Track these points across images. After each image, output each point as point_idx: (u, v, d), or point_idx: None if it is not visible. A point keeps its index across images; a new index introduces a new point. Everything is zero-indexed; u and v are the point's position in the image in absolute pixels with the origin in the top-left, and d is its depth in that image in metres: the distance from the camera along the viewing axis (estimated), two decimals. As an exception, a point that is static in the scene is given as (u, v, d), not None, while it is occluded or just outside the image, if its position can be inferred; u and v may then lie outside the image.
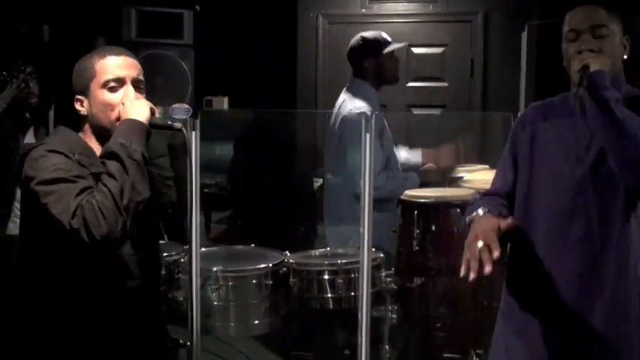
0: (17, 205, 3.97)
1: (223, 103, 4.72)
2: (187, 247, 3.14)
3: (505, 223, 2.15)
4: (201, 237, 3.19)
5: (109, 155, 2.06)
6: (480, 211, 2.32)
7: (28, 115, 3.82)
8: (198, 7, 5.14)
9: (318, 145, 4.89)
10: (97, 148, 2.24)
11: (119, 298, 2.27)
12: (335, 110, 4.06)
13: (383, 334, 3.54)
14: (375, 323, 3.32)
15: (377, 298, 3.34)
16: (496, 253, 2.04)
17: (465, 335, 3.58)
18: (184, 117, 3.08)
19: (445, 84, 5.34)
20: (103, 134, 2.24)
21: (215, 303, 3.22)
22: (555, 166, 2.22)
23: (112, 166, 2.03)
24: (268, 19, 5.39)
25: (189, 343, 3.10)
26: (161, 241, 3.75)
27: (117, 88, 2.23)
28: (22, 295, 2.27)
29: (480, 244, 2.08)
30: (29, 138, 4.01)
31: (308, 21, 5.36)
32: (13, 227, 3.95)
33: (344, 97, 4.06)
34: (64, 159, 2.11)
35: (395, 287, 3.41)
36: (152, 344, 2.47)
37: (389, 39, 4.05)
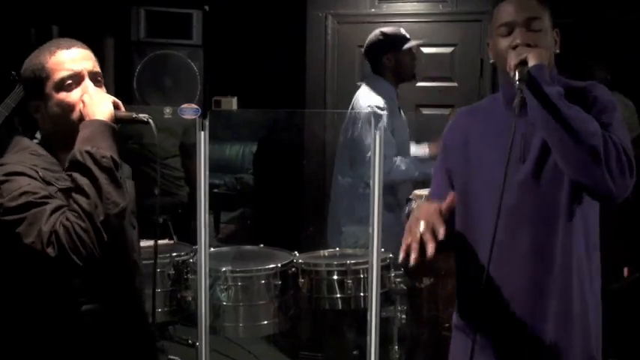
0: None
1: (232, 103, 4.70)
2: (196, 247, 3.14)
3: (446, 202, 1.95)
4: (210, 237, 3.19)
5: (75, 167, 1.86)
6: (418, 201, 2.22)
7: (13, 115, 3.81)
8: (207, 8, 5.15)
9: (327, 145, 4.88)
10: (63, 157, 1.98)
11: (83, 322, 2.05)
12: (349, 108, 4.06)
13: (392, 334, 3.54)
14: (384, 324, 3.31)
15: (386, 299, 3.33)
16: (441, 231, 1.85)
17: (475, 336, 3.56)
18: (193, 117, 3.09)
19: (454, 84, 5.32)
20: (65, 140, 1.99)
21: (224, 303, 3.22)
22: (494, 170, 2.02)
23: (81, 179, 1.84)
24: (277, 18, 5.39)
25: (197, 343, 3.11)
26: (170, 241, 3.77)
27: (73, 85, 1.99)
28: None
29: (422, 225, 1.89)
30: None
31: (317, 21, 5.35)
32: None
33: (360, 92, 4.07)
34: (27, 180, 1.90)
35: (404, 288, 3.40)
36: None
37: (408, 35, 4.07)
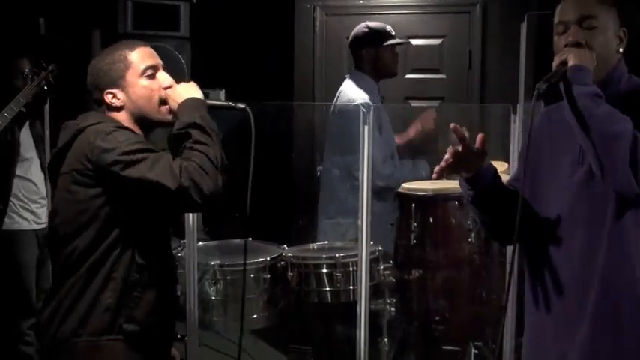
0: (14, 200, 3.95)
1: (220, 95, 4.69)
2: (185, 241, 3.13)
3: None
4: (198, 231, 3.18)
5: (193, 126, 2.15)
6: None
7: (24, 109, 3.79)
8: (194, 0, 5.12)
9: (316, 138, 4.87)
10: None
11: (174, 281, 2.47)
12: (334, 101, 4.05)
13: (381, 327, 3.54)
14: (374, 316, 3.31)
15: (375, 292, 3.33)
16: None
17: (464, 328, 3.57)
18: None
19: (443, 76, 5.32)
20: (143, 122, 2.31)
21: (213, 297, 3.22)
22: (556, 174, 2.12)
23: (199, 135, 2.13)
24: (265, 10, 5.36)
25: (186, 337, 3.10)
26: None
27: (153, 75, 2.30)
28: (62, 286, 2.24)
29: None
30: (25, 133, 3.99)
31: (305, 12, 5.34)
32: (10, 223, 3.93)
33: (343, 86, 4.06)
34: (134, 135, 2.21)
35: (393, 280, 3.40)
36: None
37: (393, 32, 4.04)
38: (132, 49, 2.32)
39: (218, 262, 3.20)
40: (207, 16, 5.27)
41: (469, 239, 3.40)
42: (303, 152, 5.08)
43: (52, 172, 2.30)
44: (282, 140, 5.14)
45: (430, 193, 3.50)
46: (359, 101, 3.85)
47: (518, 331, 3.32)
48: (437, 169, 2.12)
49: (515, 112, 3.21)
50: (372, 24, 4.07)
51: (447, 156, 2.12)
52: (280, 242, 3.54)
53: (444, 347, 3.67)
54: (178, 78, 5.12)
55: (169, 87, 2.31)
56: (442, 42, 5.30)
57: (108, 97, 2.29)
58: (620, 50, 2.08)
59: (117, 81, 2.28)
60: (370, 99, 3.90)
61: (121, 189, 2.12)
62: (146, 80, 2.29)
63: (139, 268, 2.21)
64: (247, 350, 4.57)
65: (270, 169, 5.38)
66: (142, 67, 2.29)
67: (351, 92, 3.97)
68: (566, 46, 2.03)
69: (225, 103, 2.41)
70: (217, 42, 5.33)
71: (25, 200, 3.99)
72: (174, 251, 3.33)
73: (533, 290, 2.18)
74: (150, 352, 2.28)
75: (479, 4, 5.25)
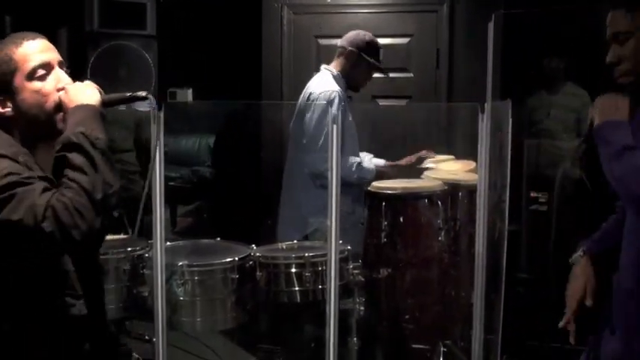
0: None
1: (187, 95, 4.65)
2: (152, 241, 3.09)
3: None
4: (166, 231, 3.14)
5: (69, 147, 1.83)
6: (580, 252, 2.39)
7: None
8: (161, -2, 5.08)
9: (285, 137, 4.85)
10: (36, 149, 2.00)
11: (67, 321, 2.03)
12: (302, 95, 4.04)
13: (351, 326, 3.53)
14: (343, 316, 3.30)
15: (344, 291, 3.32)
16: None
17: (433, 326, 3.58)
18: (148, 109, 3.03)
19: (410, 75, 5.33)
20: (39, 132, 2.00)
21: (181, 298, 3.18)
22: None
23: (77, 158, 1.81)
24: (232, 9, 5.34)
25: (154, 339, 3.06)
26: (125, 236, 3.71)
27: (45, 75, 1.99)
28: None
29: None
30: None
31: (272, 11, 5.31)
32: None
33: (316, 77, 4.08)
34: (10, 162, 1.86)
35: (362, 279, 3.39)
36: None
37: (381, 57, 4.06)
38: (19, 45, 1.98)
39: (186, 262, 3.17)
40: (174, 15, 5.24)
41: (439, 238, 3.41)
42: (272, 151, 5.06)
43: None
44: (250, 139, 5.12)
45: (399, 191, 3.50)
46: (330, 91, 3.87)
47: (487, 329, 3.34)
48: None
49: (482, 112, 3.22)
50: (374, 38, 4.08)
51: None
52: (249, 242, 3.51)
53: (414, 346, 3.68)
54: (145, 78, 5.11)
55: (62, 89, 2.00)
56: (409, 41, 5.31)
57: None
58: None
59: (3, 87, 1.97)
60: (339, 90, 3.93)
61: None
62: (36, 83, 1.97)
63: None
64: (216, 351, 4.56)
65: (238, 169, 5.39)
66: (30, 67, 1.97)
67: (323, 84, 3.98)
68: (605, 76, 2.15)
69: (126, 96, 2.08)
70: (184, 40, 5.31)
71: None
72: (141, 252, 3.32)
73: None
74: None
75: (446, 3, 5.26)
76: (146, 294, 3.26)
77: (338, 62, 4.07)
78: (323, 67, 4.12)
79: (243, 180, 5.19)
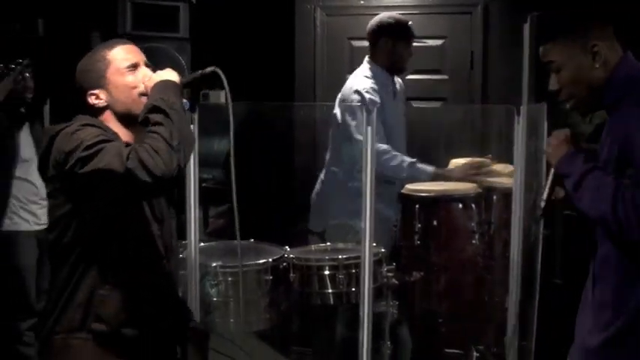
0: (14, 201, 3.92)
1: (220, 96, 4.66)
2: (186, 242, 3.11)
3: None
4: (199, 232, 3.15)
5: (150, 109, 2.10)
6: None
7: (23, 110, 3.75)
8: (194, 0, 5.09)
9: (318, 138, 4.85)
10: (122, 134, 2.27)
11: (155, 279, 2.34)
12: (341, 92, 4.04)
13: (384, 329, 3.51)
14: (376, 319, 3.28)
15: (378, 294, 3.31)
16: None
17: (466, 331, 3.55)
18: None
19: (445, 76, 5.29)
20: (127, 119, 2.28)
21: (214, 299, 3.19)
22: None
23: (156, 116, 2.07)
24: (265, 11, 5.34)
25: (188, 340, 3.07)
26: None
27: (134, 71, 2.29)
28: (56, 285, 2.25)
29: None
30: (25, 134, 3.96)
31: (305, 13, 5.31)
32: (9, 224, 3.91)
33: (351, 76, 4.06)
34: (98, 130, 2.16)
35: (396, 282, 3.37)
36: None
37: (414, 31, 4.04)
38: (111, 47, 2.32)
39: (220, 263, 3.17)
40: (207, 17, 5.25)
41: (473, 241, 3.39)
42: (305, 153, 5.06)
43: (42, 176, 2.32)
44: (283, 141, 5.12)
45: (434, 194, 3.48)
46: (359, 90, 3.83)
47: (521, 335, 3.30)
48: None
49: (519, 114, 3.19)
50: (398, 16, 4.07)
51: None
52: (282, 244, 3.51)
53: (447, 350, 3.66)
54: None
55: (147, 80, 2.29)
56: (443, 42, 5.27)
57: (92, 99, 2.28)
58: (597, 65, 2.17)
59: (98, 81, 2.28)
60: (381, 90, 3.89)
61: (82, 187, 2.11)
62: (126, 77, 2.28)
63: (109, 267, 2.20)
64: (248, 352, 4.56)
65: (271, 170, 5.39)
66: (122, 65, 2.28)
67: (353, 81, 3.96)
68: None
69: (197, 74, 2.32)
70: (217, 43, 5.31)
71: (25, 201, 3.96)
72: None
73: None
74: (124, 353, 2.22)
75: (480, 5, 5.22)
76: (180, 294, 3.27)
77: (372, 53, 4.03)
78: (365, 59, 4.08)
79: (276, 181, 5.19)
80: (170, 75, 2.24)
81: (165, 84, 2.19)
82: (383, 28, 4.00)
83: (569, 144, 2.24)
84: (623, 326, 2.09)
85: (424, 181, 3.75)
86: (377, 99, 3.82)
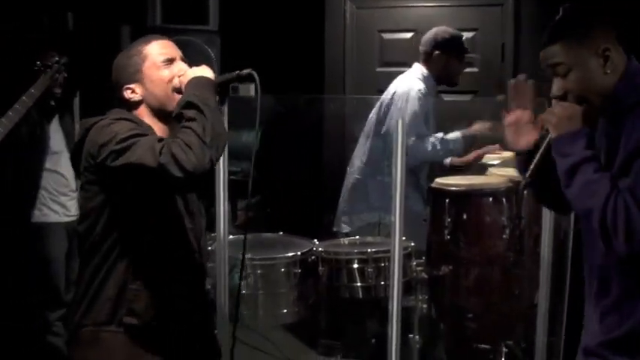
0: (43, 193, 3.96)
1: (250, 89, 4.66)
2: (215, 234, 3.11)
3: None
4: (228, 224, 3.16)
5: (184, 105, 2.10)
6: None
7: (52, 103, 3.78)
8: (224, -8, 5.10)
9: (347, 131, 4.83)
10: (157, 129, 2.28)
11: (187, 274, 2.34)
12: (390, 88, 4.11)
13: (412, 324, 3.50)
14: (405, 313, 3.27)
15: (407, 288, 3.29)
16: None
17: (496, 326, 3.52)
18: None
19: (475, 69, 5.25)
20: (161, 114, 2.29)
21: (243, 291, 3.19)
22: None
23: (189, 112, 2.07)
24: (295, 3, 5.33)
25: (216, 331, 3.09)
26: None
27: (169, 65, 2.29)
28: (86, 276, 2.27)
29: None
30: (54, 126, 3.99)
31: (335, 5, 5.29)
32: (39, 215, 3.94)
33: (403, 76, 4.13)
34: (132, 124, 2.17)
35: (426, 277, 3.36)
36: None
37: (466, 47, 4.18)
38: (147, 42, 2.33)
39: (249, 255, 3.17)
40: (237, 10, 5.25)
41: (503, 236, 3.35)
42: (334, 145, 5.05)
43: (74, 168, 2.34)
44: (312, 134, 5.11)
45: (464, 188, 3.45)
46: (417, 88, 3.95)
47: (550, 330, 3.27)
48: None
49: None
50: (453, 32, 4.14)
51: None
52: (311, 237, 3.51)
53: (476, 345, 3.63)
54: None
55: (182, 75, 2.28)
56: (474, 35, 5.23)
57: (127, 93, 2.29)
58: (608, 71, 2.01)
59: (134, 75, 2.28)
60: (427, 93, 4.01)
61: (114, 180, 2.13)
62: (161, 71, 2.28)
63: (141, 261, 2.21)
64: (277, 344, 4.57)
65: (300, 163, 5.39)
66: (158, 59, 2.29)
67: (408, 82, 4.04)
68: (550, 99, 2.09)
69: (234, 75, 2.29)
70: (247, 35, 5.31)
71: (55, 193, 3.99)
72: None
73: None
74: (155, 347, 2.23)
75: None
76: (209, 287, 3.27)
77: (426, 65, 4.11)
78: (415, 64, 4.16)
79: (305, 174, 5.19)
80: (205, 72, 2.23)
81: (199, 80, 2.18)
82: (438, 43, 4.08)
83: (578, 121, 2.03)
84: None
85: (458, 150, 3.95)
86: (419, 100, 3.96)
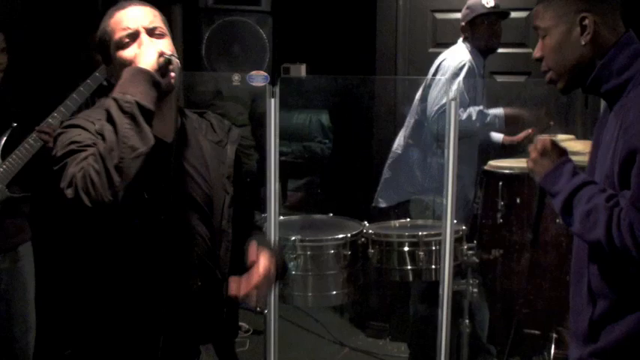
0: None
1: (301, 70, 4.65)
2: (265, 215, 3.12)
3: None
4: (279, 205, 3.17)
5: (105, 113, 1.86)
6: None
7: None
8: (276, -27, 5.08)
9: (398, 112, 4.79)
10: None
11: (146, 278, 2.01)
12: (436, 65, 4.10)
13: (463, 308, 3.48)
14: (455, 297, 3.25)
15: (458, 272, 3.27)
16: None
17: (547, 312, 3.48)
18: (262, 84, 3.05)
19: (529, 50, 5.15)
20: None
21: (293, 272, 3.20)
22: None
23: (105, 125, 1.82)
24: (347, -16, 5.29)
25: (266, 311, 3.11)
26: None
27: (130, 43, 2.00)
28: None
29: None
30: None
31: (388, -14, 5.24)
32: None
33: (448, 51, 4.12)
34: (79, 131, 1.94)
35: (477, 261, 3.33)
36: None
37: (488, 5, 4.06)
38: (111, 16, 2.04)
39: (299, 236, 3.18)
40: (289, -10, 5.24)
41: (557, 220, 3.29)
42: (385, 127, 5.01)
43: None
44: (363, 115, 5.09)
45: (517, 171, 3.40)
46: (463, 61, 3.92)
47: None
48: None
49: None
50: (470, 1, 4.10)
51: None
52: (360, 219, 3.50)
53: (525, 330, 3.59)
54: (259, 54, 5.12)
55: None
56: (528, 14, 5.13)
57: (111, 78, 2.07)
58: (583, 42, 1.94)
59: (107, 58, 2.06)
60: (470, 61, 3.97)
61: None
62: (122, 52, 2.00)
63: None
64: (326, 325, 4.59)
65: (351, 145, 5.38)
66: (117, 38, 2.00)
67: (453, 54, 4.03)
68: None
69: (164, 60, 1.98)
70: (299, 16, 5.30)
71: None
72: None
73: None
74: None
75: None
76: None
77: (469, 37, 4.09)
78: (459, 41, 4.14)
79: (355, 156, 5.17)
80: (144, 59, 1.93)
81: (129, 74, 1.90)
82: (465, 14, 4.07)
83: (553, 154, 2.03)
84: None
85: (497, 125, 3.88)
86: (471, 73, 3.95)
